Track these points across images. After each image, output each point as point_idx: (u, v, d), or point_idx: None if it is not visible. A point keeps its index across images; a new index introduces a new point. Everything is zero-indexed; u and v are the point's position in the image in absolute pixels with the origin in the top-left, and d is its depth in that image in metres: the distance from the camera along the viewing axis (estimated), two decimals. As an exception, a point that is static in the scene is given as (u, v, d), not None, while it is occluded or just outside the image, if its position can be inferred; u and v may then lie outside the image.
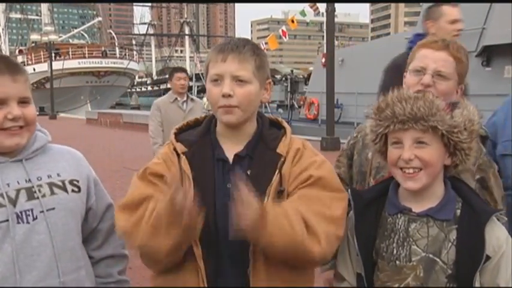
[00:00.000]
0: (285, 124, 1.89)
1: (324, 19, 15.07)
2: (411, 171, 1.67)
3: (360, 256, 1.74)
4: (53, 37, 49.17)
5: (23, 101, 1.71)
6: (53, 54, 40.99)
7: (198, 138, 1.83)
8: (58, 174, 1.81)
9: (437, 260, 1.66)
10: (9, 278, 1.64)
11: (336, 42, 24.48)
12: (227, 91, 1.72)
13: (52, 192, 1.76)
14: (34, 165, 1.77)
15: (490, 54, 15.51)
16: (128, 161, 11.18)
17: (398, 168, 1.70)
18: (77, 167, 1.90)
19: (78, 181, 1.86)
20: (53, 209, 1.74)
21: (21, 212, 1.68)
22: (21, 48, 56.39)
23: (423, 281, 1.66)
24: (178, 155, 1.80)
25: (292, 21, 18.55)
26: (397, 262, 1.69)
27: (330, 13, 14.09)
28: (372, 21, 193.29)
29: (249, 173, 1.76)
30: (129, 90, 56.36)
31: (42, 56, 43.16)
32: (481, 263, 1.62)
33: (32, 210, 1.70)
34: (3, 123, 1.66)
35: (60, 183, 1.80)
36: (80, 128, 22.44)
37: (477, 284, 1.63)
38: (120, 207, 1.72)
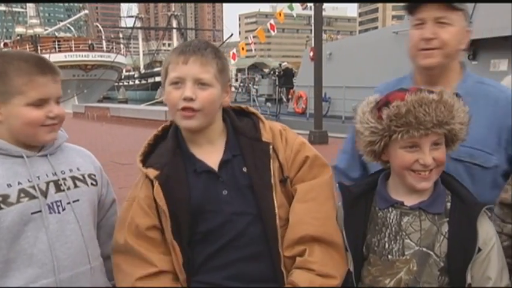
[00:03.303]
0: (252, 109, 1.84)
1: (312, 13, 15.05)
2: (427, 173, 1.66)
3: (350, 251, 1.74)
4: (38, 30, 48.54)
5: (58, 101, 1.81)
6: (56, 48, 40.53)
7: (169, 158, 1.74)
8: (78, 169, 1.91)
9: (431, 253, 1.66)
10: (48, 264, 1.73)
11: (324, 36, 24.47)
12: (189, 94, 1.66)
13: (75, 185, 1.86)
14: (57, 160, 1.87)
15: (476, 48, 15.58)
16: (116, 154, 11.09)
17: (409, 170, 1.67)
18: (92, 163, 2.00)
19: (94, 175, 1.96)
20: (78, 200, 1.84)
21: (52, 203, 1.77)
22: (6, 41, 55.51)
23: (416, 275, 1.66)
24: (151, 180, 1.73)
25: (280, 15, 18.50)
26: (390, 256, 1.69)
27: (318, 7, 14.08)
28: (360, 14, 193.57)
29: (245, 170, 1.72)
30: (116, 84, 55.81)
31: (27, 49, 42.59)
32: (473, 255, 1.62)
33: (60, 201, 1.79)
34: (45, 121, 1.75)
35: (81, 177, 1.90)
36: (67, 122, 21.89)
37: (469, 276, 1.63)
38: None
